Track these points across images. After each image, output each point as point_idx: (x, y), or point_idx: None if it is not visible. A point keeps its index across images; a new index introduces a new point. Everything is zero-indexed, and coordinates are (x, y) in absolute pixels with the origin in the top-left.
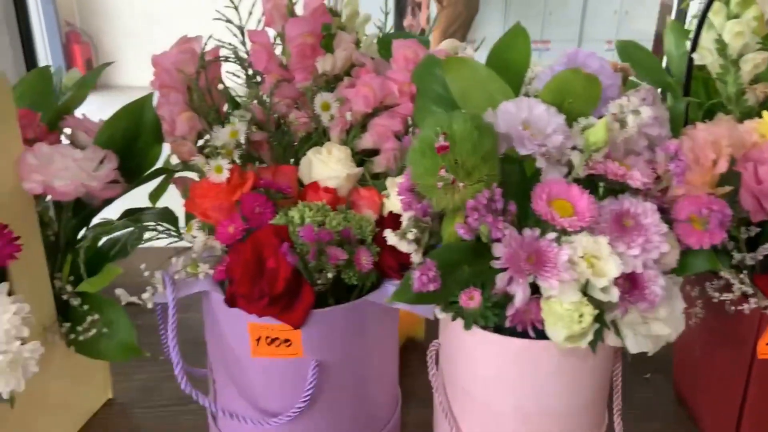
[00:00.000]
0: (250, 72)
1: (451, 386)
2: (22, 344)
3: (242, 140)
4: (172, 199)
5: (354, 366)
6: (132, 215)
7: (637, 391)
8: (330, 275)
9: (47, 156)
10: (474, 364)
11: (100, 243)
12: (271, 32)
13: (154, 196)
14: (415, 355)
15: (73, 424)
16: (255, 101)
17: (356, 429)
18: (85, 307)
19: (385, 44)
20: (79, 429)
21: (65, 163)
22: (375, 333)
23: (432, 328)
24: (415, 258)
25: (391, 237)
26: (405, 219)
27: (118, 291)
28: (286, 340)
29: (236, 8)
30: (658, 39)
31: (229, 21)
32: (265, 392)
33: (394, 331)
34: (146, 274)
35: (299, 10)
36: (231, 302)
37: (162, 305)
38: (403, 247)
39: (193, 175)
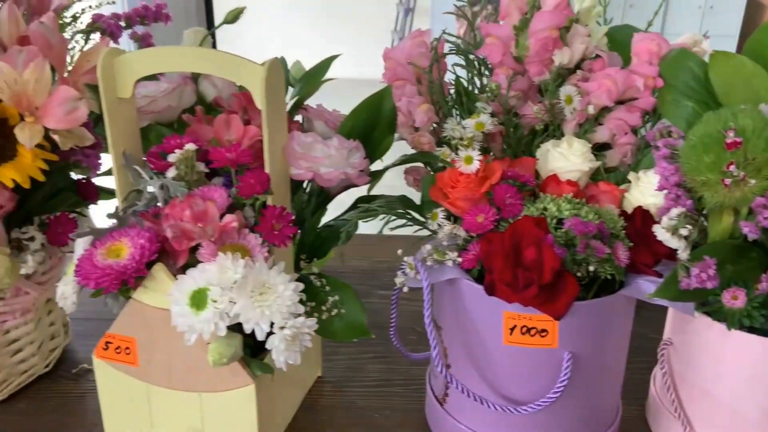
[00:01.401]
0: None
1: (687, 386)
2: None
3: (488, 132)
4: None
5: (600, 360)
6: (366, 202)
7: None
8: (591, 268)
9: (308, 144)
10: (721, 364)
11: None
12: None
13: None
14: None
15: (297, 399)
16: (490, 94)
17: (596, 421)
18: (327, 288)
19: (611, 37)
20: (300, 403)
21: (327, 151)
22: (620, 328)
23: None
24: (683, 255)
25: (661, 233)
26: (673, 215)
27: None
28: (543, 330)
29: (470, 4)
30: (744, 36)
31: (462, 16)
32: (511, 380)
33: (630, 328)
34: (405, 259)
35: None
36: (490, 290)
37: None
38: (673, 243)
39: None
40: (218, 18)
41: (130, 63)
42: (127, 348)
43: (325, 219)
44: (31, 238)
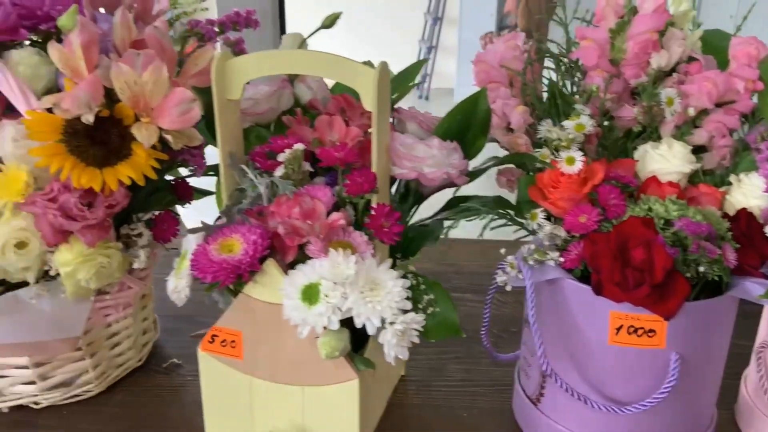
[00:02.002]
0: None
1: None
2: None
3: (587, 134)
4: None
5: (704, 361)
6: (462, 202)
7: None
8: (702, 269)
9: (410, 145)
10: None
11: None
12: None
13: None
14: None
15: (386, 396)
16: (587, 96)
17: (694, 423)
18: (423, 286)
19: (704, 41)
20: (387, 401)
21: (429, 152)
22: (724, 330)
23: None
24: None
25: None
26: None
27: None
28: (651, 331)
29: (563, 7)
30: None
31: (559, 23)
32: (613, 380)
33: (731, 331)
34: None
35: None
36: (597, 290)
37: None
38: None
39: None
40: (289, 23)
41: (241, 66)
42: (233, 341)
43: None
44: (139, 235)
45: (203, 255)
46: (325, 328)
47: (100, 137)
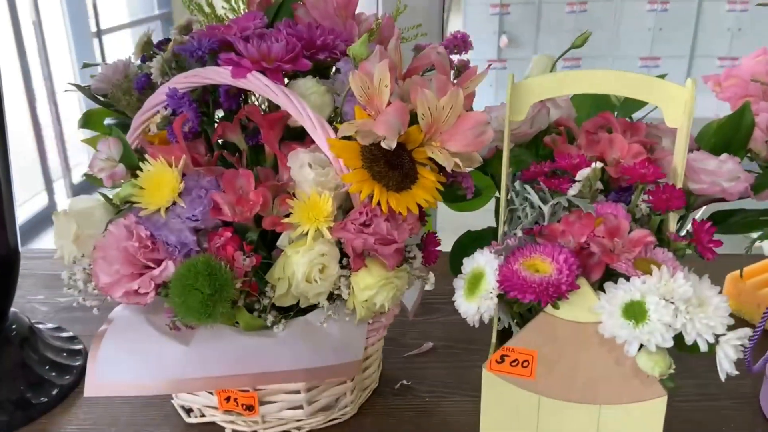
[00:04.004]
0: None
1: None
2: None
3: None
4: None
5: None
6: (729, 216)
7: None
8: None
9: (701, 160)
10: None
11: None
12: None
13: None
14: None
15: None
16: None
17: None
18: None
19: None
20: None
21: (723, 166)
22: None
23: None
24: None
25: None
26: None
27: None
28: None
29: None
30: None
31: None
32: None
33: None
34: None
35: None
36: None
37: None
38: None
39: None
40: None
41: (531, 87)
42: (525, 361)
43: None
44: (414, 257)
45: (514, 275)
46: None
47: (394, 162)
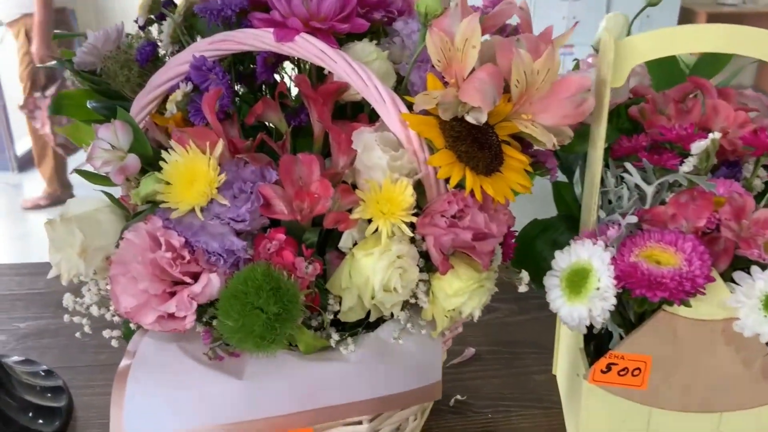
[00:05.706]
0: None
1: None
2: None
3: None
4: None
5: None
6: None
7: None
8: None
9: None
10: None
11: None
12: None
13: None
14: None
15: None
16: None
17: None
18: None
19: None
20: None
21: None
22: None
23: None
24: None
25: None
26: None
27: None
28: None
29: None
30: None
31: None
32: None
33: None
34: None
35: None
36: None
37: None
38: None
39: None
40: None
41: (636, 46)
42: (636, 369)
43: None
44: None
45: (635, 270)
46: None
47: (482, 140)
